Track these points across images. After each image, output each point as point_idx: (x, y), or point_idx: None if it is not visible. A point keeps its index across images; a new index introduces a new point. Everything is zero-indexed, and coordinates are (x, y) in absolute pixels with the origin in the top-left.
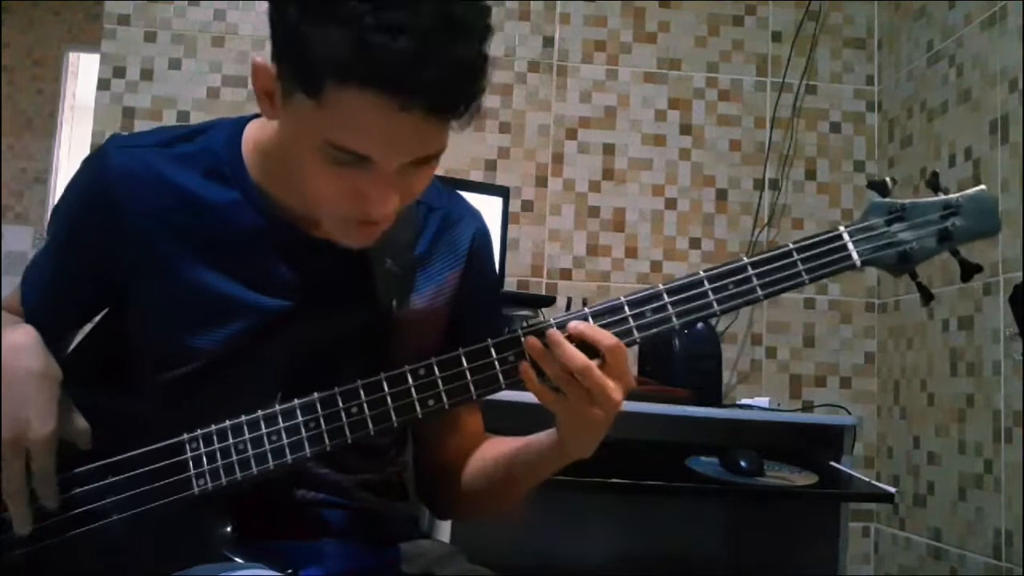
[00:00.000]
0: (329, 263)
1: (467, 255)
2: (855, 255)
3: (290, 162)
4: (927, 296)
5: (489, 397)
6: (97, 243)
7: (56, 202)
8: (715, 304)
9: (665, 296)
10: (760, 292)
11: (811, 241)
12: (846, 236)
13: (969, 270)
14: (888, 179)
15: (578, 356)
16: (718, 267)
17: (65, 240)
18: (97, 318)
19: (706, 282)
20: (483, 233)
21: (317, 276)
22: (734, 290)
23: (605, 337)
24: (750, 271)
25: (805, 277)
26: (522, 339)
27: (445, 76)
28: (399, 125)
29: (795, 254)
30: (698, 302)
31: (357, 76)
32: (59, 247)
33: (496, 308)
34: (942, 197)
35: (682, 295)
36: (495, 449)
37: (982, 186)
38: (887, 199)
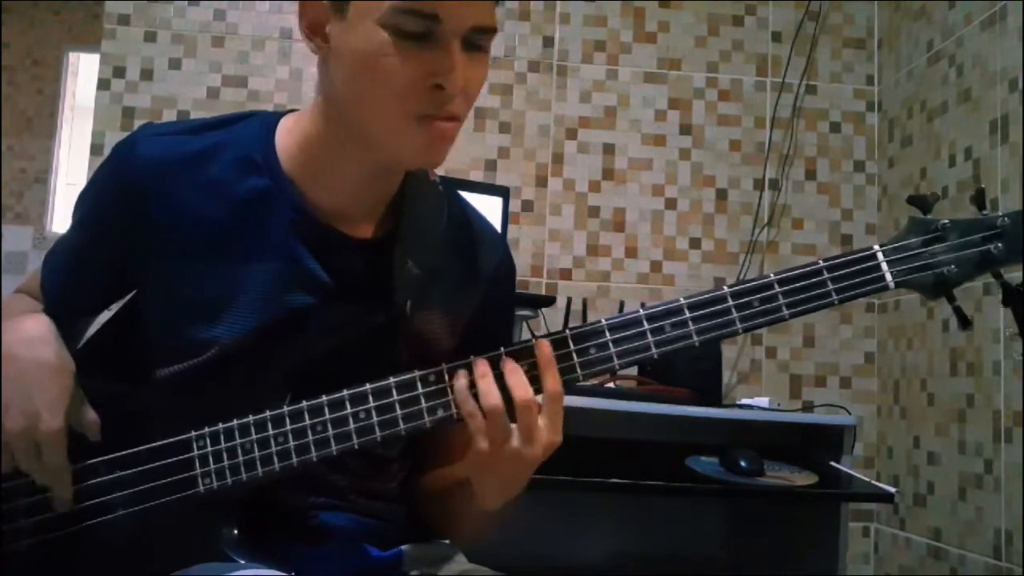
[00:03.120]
0: (352, 260)
1: (489, 279)
2: (888, 276)
3: (352, 81)
4: (964, 322)
5: None
6: (120, 230)
7: (83, 188)
8: (738, 322)
9: (686, 311)
10: (786, 311)
11: (842, 259)
12: (880, 255)
13: (1011, 294)
14: (930, 194)
15: (526, 387)
16: (743, 283)
17: (88, 226)
18: (114, 307)
19: (730, 298)
20: (507, 259)
21: (339, 274)
22: (759, 308)
23: (553, 382)
24: (776, 288)
25: (835, 298)
26: (535, 349)
27: None
28: None
29: (825, 272)
30: (720, 319)
31: None
32: (82, 232)
33: (509, 336)
34: (986, 216)
35: (704, 311)
36: (450, 481)
37: None
38: (927, 216)
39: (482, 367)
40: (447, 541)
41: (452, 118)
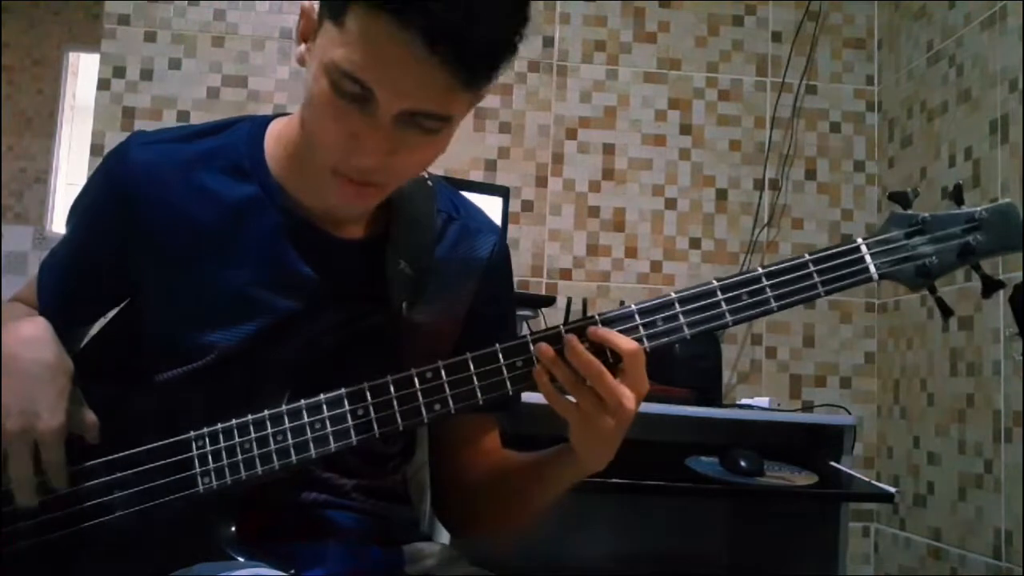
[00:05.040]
0: (344, 262)
1: (484, 268)
2: (872, 268)
3: (307, 107)
4: (946, 312)
5: (527, 400)
6: (114, 237)
7: (76, 196)
8: (728, 315)
9: (677, 305)
10: (774, 304)
11: (827, 252)
12: (864, 248)
13: (990, 286)
14: (909, 190)
15: (593, 362)
16: (731, 277)
17: (83, 234)
18: (111, 313)
19: (719, 292)
20: (502, 247)
21: (332, 276)
22: (747, 300)
23: (624, 342)
24: (764, 282)
25: (821, 290)
26: (530, 345)
27: (475, 28)
28: (410, 65)
29: (811, 265)
30: (710, 312)
31: (387, 1)
32: (77, 241)
33: (511, 323)
34: (964, 210)
35: (694, 304)
36: (510, 465)
37: (1007, 199)
38: (908, 211)
39: (573, 342)
40: (507, 528)
41: (368, 183)
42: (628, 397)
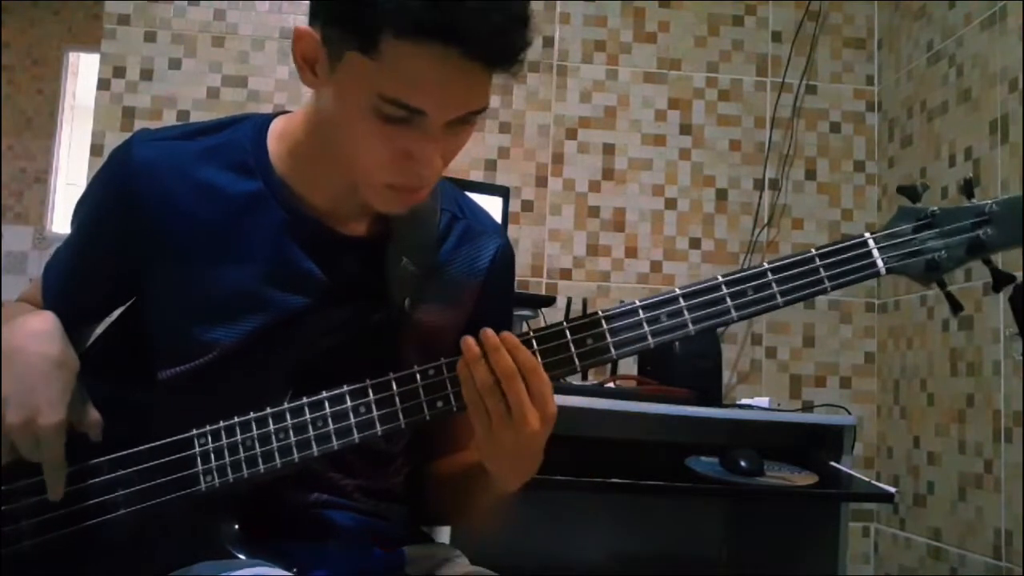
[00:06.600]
0: (348, 259)
1: (487, 270)
2: (880, 262)
3: (335, 132)
4: (956, 307)
5: None
6: (118, 235)
7: (80, 195)
8: (733, 311)
9: (681, 300)
10: (780, 299)
11: (834, 247)
12: (871, 243)
13: (1001, 280)
14: (919, 184)
15: (509, 364)
16: (736, 272)
17: (87, 232)
18: (117, 312)
19: (724, 287)
20: (506, 251)
21: (335, 273)
22: (753, 296)
23: (527, 358)
24: (770, 276)
25: (827, 284)
26: (534, 342)
27: (505, 27)
28: (455, 78)
29: (817, 260)
30: (715, 307)
31: (424, 29)
32: (81, 239)
33: (511, 323)
34: (974, 203)
35: (699, 300)
36: (459, 465)
37: (1017, 193)
38: (916, 205)
39: (471, 351)
40: (462, 526)
41: (423, 185)
42: (533, 413)
